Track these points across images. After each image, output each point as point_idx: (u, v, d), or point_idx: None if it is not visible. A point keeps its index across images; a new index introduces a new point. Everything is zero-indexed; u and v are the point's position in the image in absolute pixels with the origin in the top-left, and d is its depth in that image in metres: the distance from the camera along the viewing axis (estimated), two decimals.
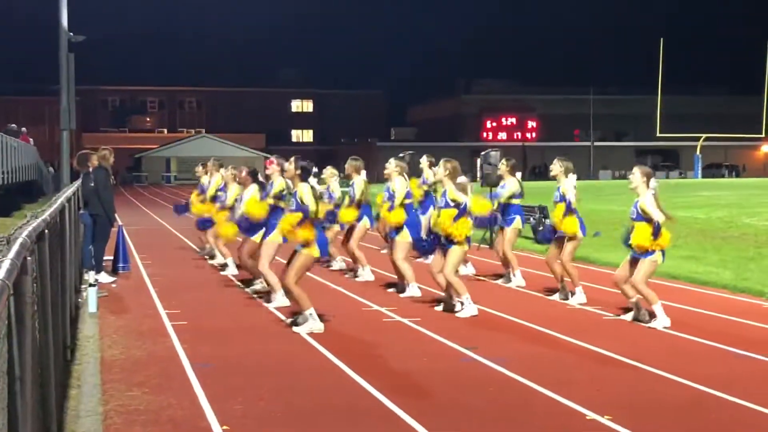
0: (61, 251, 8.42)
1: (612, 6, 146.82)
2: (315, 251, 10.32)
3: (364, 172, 15.11)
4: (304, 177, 10.63)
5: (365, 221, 14.96)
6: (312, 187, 10.55)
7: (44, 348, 5.53)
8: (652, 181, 10.77)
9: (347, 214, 14.67)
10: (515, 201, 14.14)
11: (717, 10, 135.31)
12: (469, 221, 11.52)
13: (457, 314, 11.40)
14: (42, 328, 5.42)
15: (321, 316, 10.39)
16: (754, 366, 8.71)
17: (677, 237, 20.90)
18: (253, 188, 13.25)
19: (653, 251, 10.45)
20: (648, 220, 10.48)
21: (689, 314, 11.51)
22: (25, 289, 3.46)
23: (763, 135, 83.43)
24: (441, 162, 11.89)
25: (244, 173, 13.73)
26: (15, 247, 3.29)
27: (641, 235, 10.46)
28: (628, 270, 10.71)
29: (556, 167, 12.62)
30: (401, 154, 15.41)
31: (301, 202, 10.34)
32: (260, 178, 13.61)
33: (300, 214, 10.32)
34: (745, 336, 10.09)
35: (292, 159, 10.79)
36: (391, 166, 13.84)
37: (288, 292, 10.59)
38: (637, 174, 10.77)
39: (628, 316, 11.05)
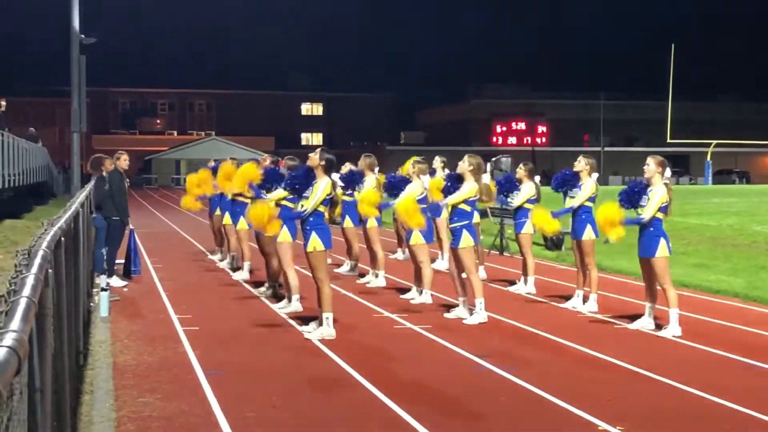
0: (75, 256, 8.45)
1: (623, 10, 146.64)
2: (320, 245, 10.29)
3: (377, 170, 15.08)
4: (327, 169, 10.45)
5: (373, 221, 14.93)
6: (333, 183, 10.45)
7: (59, 354, 5.55)
8: (667, 171, 10.81)
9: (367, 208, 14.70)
10: (528, 206, 14.07)
11: (728, 17, 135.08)
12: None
13: (464, 321, 11.39)
14: (57, 334, 5.44)
15: (334, 321, 10.40)
16: (767, 377, 8.69)
17: (688, 244, 20.89)
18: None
19: (657, 249, 10.49)
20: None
21: (701, 323, 11.49)
22: (46, 302, 3.48)
23: None
24: (465, 157, 11.70)
25: (268, 162, 13.59)
26: (37, 261, 3.30)
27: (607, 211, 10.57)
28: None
29: (581, 164, 12.55)
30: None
31: (311, 191, 10.31)
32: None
33: (272, 208, 10.47)
34: (758, 346, 10.06)
35: (318, 150, 10.69)
36: (410, 168, 13.34)
37: (320, 294, 10.46)
38: (651, 164, 10.79)
39: (636, 325, 11.04)
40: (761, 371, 8.89)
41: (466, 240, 11.43)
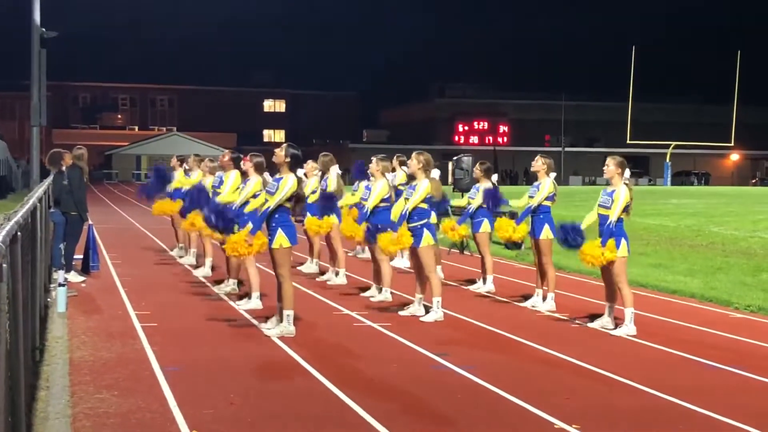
0: (32, 251, 8.38)
1: (585, 12, 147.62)
2: (285, 242, 10.26)
3: (335, 167, 15.06)
4: (293, 165, 10.40)
5: (335, 218, 14.89)
6: (299, 179, 10.37)
7: (14, 350, 5.51)
8: (627, 171, 10.89)
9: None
10: (485, 205, 14.10)
11: (689, 20, 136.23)
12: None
13: (421, 318, 11.44)
14: (12, 329, 5.39)
15: (294, 319, 10.39)
16: (722, 376, 8.79)
17: (646, 244, 21.07)
18: (235, 174, 12.99)
19: (618, 249, 10.56)
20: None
21: (657, 323, 11.60)
22: (0, 297, 3.45)
23: (732, 144, 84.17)
24: (413, 154, 11.76)
25: (227, 158, 13.41)
26: None
27: (591, 250, 10.58)
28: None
29: (538, 163, 12.60)
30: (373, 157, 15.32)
31: (277, 188, 10.21)
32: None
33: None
34: (714, 346, 10.18)
35: (284, 146, 10.58)
36: (374, 165, 13.27)
37: (280, 289, 10.42)
38: (611, 165, 10.87)
39: (596, 324, 11.13)
40: (717, 371, 8.99)
41: (427, 239, 11.51)
